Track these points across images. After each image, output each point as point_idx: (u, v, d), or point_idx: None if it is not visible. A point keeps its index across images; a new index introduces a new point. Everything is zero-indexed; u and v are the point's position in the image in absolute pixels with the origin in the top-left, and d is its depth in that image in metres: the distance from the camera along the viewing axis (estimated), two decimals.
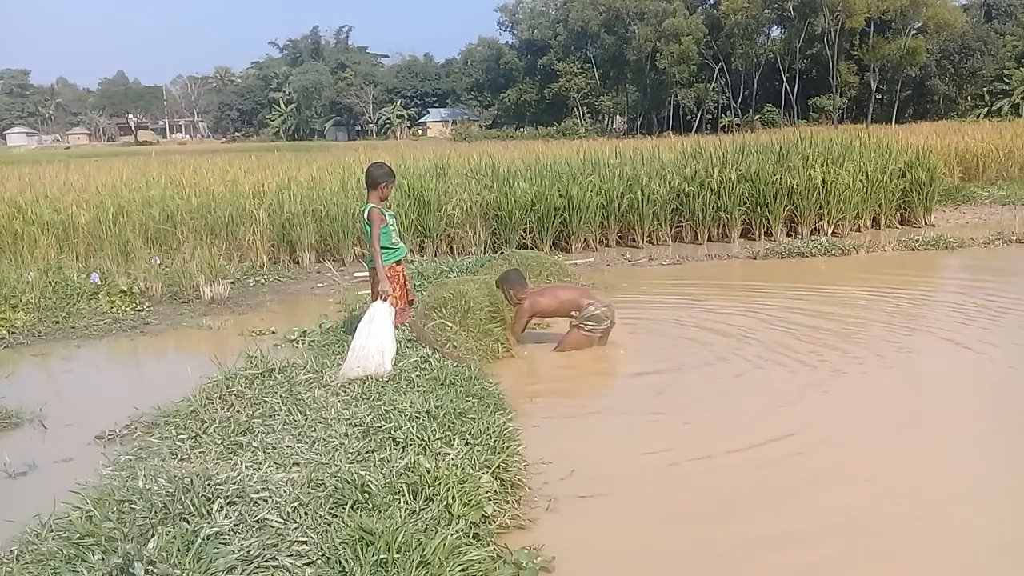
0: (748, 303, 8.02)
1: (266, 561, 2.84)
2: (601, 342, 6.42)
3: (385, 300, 5.34)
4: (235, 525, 3.03)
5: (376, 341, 5.16)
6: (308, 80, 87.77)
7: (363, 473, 3.46)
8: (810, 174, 12.41)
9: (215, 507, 3.13)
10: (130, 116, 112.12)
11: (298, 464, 3.70)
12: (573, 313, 6.38)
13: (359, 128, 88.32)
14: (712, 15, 56.69)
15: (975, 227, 12.98)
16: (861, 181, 12.66)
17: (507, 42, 72.80)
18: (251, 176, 14.01)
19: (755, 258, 10.80)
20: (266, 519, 3.08)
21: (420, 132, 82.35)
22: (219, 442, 4.08)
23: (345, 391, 4.80)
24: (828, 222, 12.56)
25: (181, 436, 4.19)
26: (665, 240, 12.40)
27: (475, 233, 11.66)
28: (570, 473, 4.07)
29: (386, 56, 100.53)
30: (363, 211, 5.56)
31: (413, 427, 4.07)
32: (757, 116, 56.09)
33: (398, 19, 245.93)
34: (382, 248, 5.57)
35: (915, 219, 13.49)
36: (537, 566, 3.18)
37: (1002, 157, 18.31)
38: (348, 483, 3.33)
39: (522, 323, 6.45)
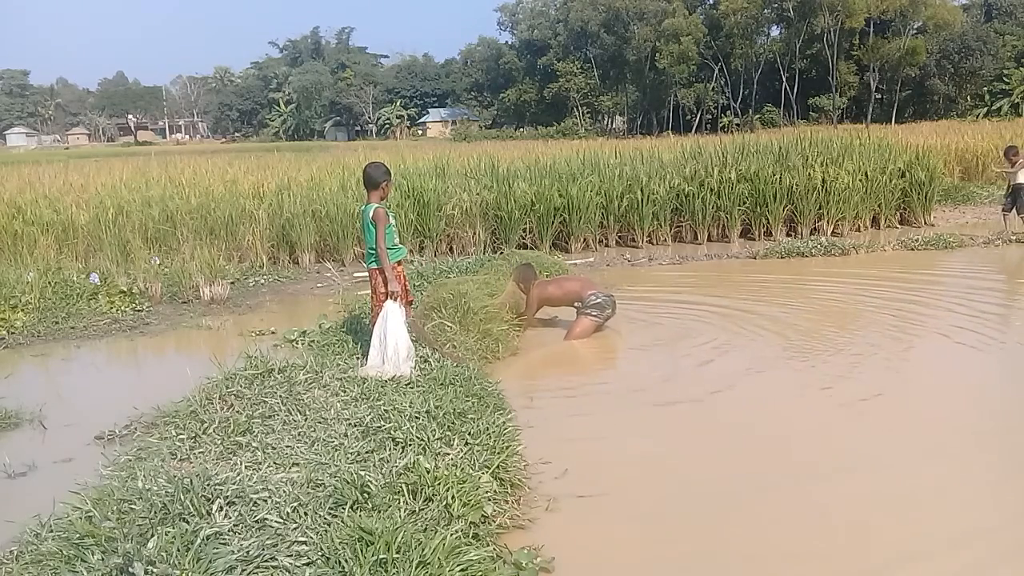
0: (749, 300, 8.01)
1: (266, 561, 2.83)
2: (599, 329, 6.82)
3: (396, 300, 5.35)
4: (235, 525, 3.03)
5: (392, 342, 5.21)
6: (308, 80, 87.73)
7: (363, 473, 3.46)
8: (810, 174, 12.42)
9: (215, 507, 3.13)
10: (130, 116, 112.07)
11: (298, 464, 3.69)
12: (576, 304, 6.77)
13: (359, 128, 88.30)
14: (712, 15, 56.69)
15: (975, 226, 12.99)
16: (861, 181, 12.68)
17: (507, 42, 72.80)
18: (251, 176, 14.02)
19: (755, 258, 10.81)
20: (266, 519, 3.08)
21: (420, 132, 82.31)
22: (219, 442, 4.07)
23: (345, 391, 4.80)
24: (828, 222, 12.58)
25: (181, 436, 4.19)
26: (665, 240, 12.41)
27: (475, 233, 11.66)
28: (564, 472, 4.08)
29: (386, 56, 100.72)
30: (365, 211, 5.54)
31: (413, 427, 4.07)
32: (757, 116, 56.11)
33: (398, 19, 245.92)
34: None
35: (915, 219, 13.51)
36: (537, 566, 3.18)
37: (1001, 157, 18.28)
38: (348, 483, 3.33)
39: (533, 309, 6.93)
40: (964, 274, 9.41)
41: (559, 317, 7.29)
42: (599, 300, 6.72)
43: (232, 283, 9.32)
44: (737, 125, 52.30)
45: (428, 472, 3.47)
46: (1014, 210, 11.63)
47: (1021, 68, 50.67)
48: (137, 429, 4.73)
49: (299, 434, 4.12)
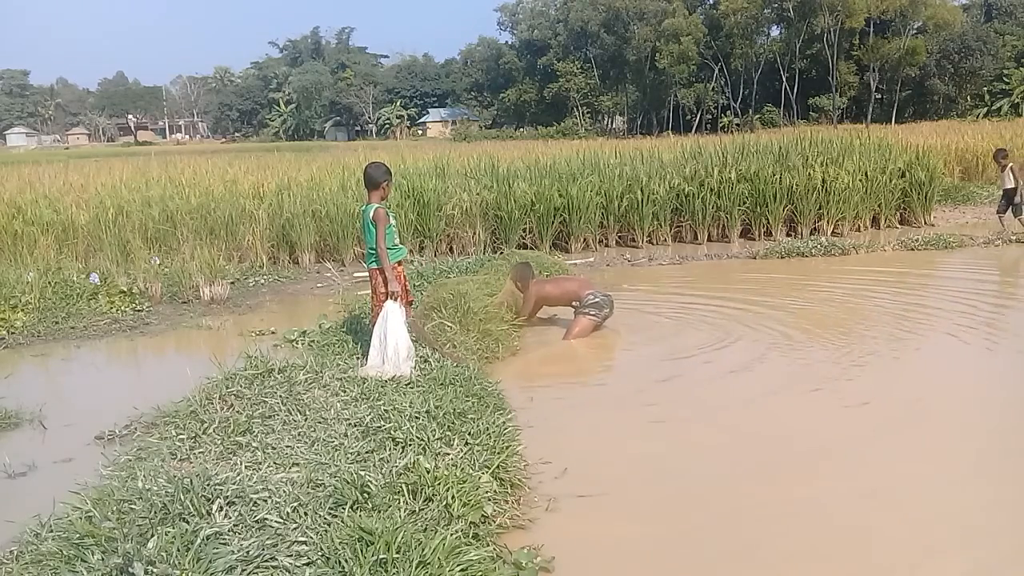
0: (750, 299, 8.01)
1: (266, 561, 2.84)
2: (598, 328, 6.82)
3: (396, 300, 5.35)
4: (235, 525, 3.03)
5: (392, 341, 5.21)
6: (308, 80, 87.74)
7: (363, 473, 3.46)
8: (810, 174, 12.43)
9: (215, 507, 3.13)
10: (130, 116, 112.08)
11: (298, 464, 3.69)
12: (574, 303, 6.80)
13: (359, 128, 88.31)
14: (712, 15, 56.71)
15: (975, 226, 12.99)
16: (861, 181, 12.68)
17: (507, 42, 72.79)
18: (251, 176, 14.01)
19: (755, 258, 10.81)
20: (266, 519, 3.08)
21: (420, 132, 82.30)
22: (219, 442, 4.07)
23: (345, 391, 4.80)
24: (828, 222, 12.58)
25: (181, 436, 4.19)
26: (665, 240, 12.41)
27: (475, 233, 11.66)
28: (563, 472, 4.08)
29: (386, 56, 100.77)
30: (366, 211, 5.54)
31: (413, 427, 4.07)
32: (757, 116, 56.10)
33: (398, 19, 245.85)
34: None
35: (915, 219, 13.51)
36: (537, 566, 3.18)
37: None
38: (348, 483, 3.33)
39: (530, 307, 6.91)
40: (967, 273, 9.40)
41: (558, 316, 7.29)
42: (597, 299, 6.74)
43: (232, 283, 9.32)
44: (737, 125, 52.30)
45: (428, 472, 3.47)
46: (1010, 211, 11.64)
47: (1021, 68, 50.67)
48: (137, 429, 4.72)
49: (299, 434, 4.12)
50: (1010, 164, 11.58)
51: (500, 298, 6.85)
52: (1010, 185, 11.53)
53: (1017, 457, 4.29)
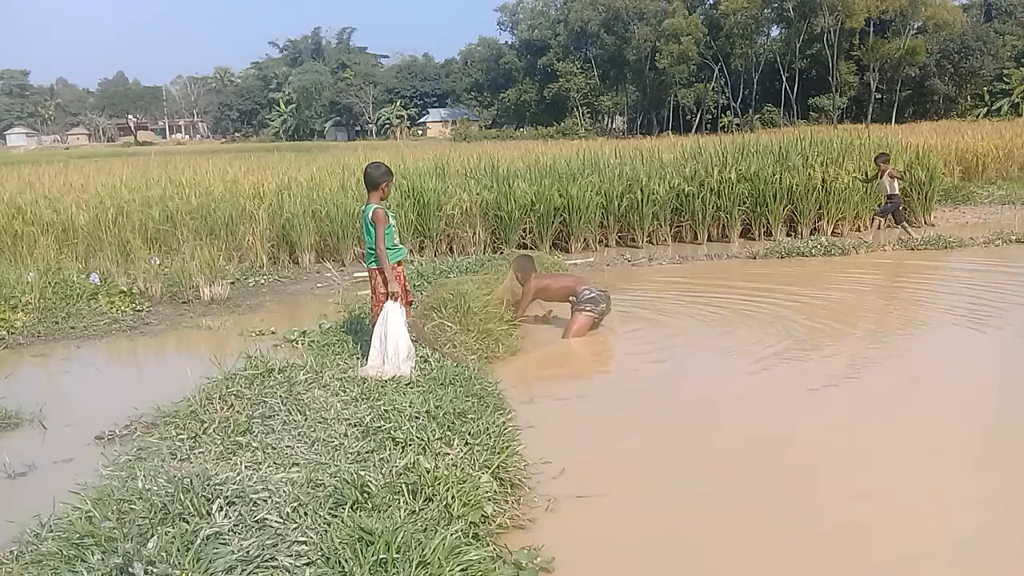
0: (749, 299, 8.01)
1: (266, 561, 2.84)
2: (595, 325, 6.85)
3: (396, 300, 5.36)
4: (235, 525, 3.03)
5: (392, 342, 5.21)
6: (308, 80, 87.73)
7: (363, 473, 3.46)
8: (810, 174, 12.43)
9: (215, 507, 3.13)
10: (130, 116, 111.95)
11: (298, 464, 3.70)
12: (571, 299, 6.84)
13: (359, 128, 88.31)
14: (711, 15, 56.77)
15: (975, 227, 12.99)
16: (861, 181, 12.67)
17: (507, 42, 72.83)
18: (251, 176, 14.01)
19: (755, 258, 10.80)
20: (266, 519, 3.08)
21: (420, 132, 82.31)
22: (219, 442, 4.08)
23: (345, 391, 4.81)
24: (828, 222, 12.58)
25: (181, 436, 4.19)
26: (665, 240, 12.41)
27: (475, 233, 11.66)
28: (563, 472, 4.08)
29: (386, 56, 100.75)
30: (365, 212, 5.55)
31: (413, 427, 4.07)
32: (757, 116, 56.13)
33: (398, 19, 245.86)
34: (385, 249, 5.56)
35: (915, 219, 13.48)
36: (537, 566, 3.18)
37: (1002, 157, 18.31)
38: (348, 483, 3.34)
39: (528, 299, 6.99)
40: (968, 273, 9.40)
41: (556, 315, 7.29)
42: (593, 295, 6.77)
43: (232, 283, 9.32)
44: (737, 125, 52.33)
45: (428, 472, 3.47)
46: (891, 217, 11.58)
47: (1021, 68, 50.70)
48: (137, 429, 4.73)
49: (299, 434, 4.13)
50: (890, 169, 11.55)
51: (499, 291, 6.89)
52: (890, 191, 11.45)
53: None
